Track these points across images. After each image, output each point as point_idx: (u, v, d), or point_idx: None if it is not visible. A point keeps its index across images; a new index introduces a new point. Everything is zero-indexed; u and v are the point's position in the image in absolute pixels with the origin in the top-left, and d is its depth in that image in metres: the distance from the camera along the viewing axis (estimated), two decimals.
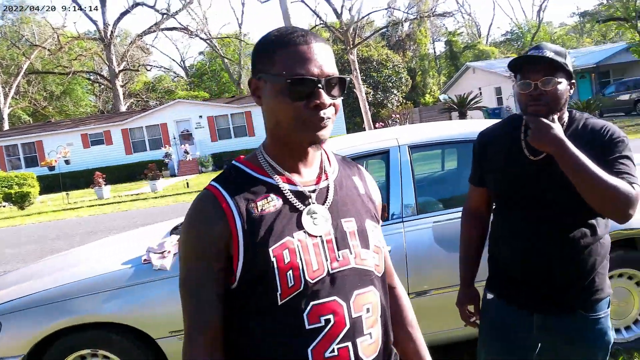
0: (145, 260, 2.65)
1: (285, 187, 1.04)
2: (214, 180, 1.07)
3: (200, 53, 52.23)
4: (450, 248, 2.80)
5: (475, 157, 1.88)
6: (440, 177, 4.29)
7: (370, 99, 30.28)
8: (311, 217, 1.01)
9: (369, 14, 22.15)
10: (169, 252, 2.63)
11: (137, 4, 38.61)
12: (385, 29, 39.43)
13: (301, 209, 1.02)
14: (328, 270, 0.99)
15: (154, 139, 26.99)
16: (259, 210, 1.01)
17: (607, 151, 1.59)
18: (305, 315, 0.97)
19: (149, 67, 46.47)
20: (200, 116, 26.87)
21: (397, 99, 33.88)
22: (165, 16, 39.35)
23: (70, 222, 12.43)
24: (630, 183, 1.52)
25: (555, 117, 1.59)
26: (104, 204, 15.60)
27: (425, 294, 2.78)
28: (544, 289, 1.67)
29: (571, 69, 1.63)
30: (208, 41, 41.67)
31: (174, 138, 26.34)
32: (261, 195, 1.02)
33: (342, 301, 0.98)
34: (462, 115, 21.35)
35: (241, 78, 43.26)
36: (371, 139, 3.25)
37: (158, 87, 46.69)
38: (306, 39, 0.99)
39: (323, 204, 1.04)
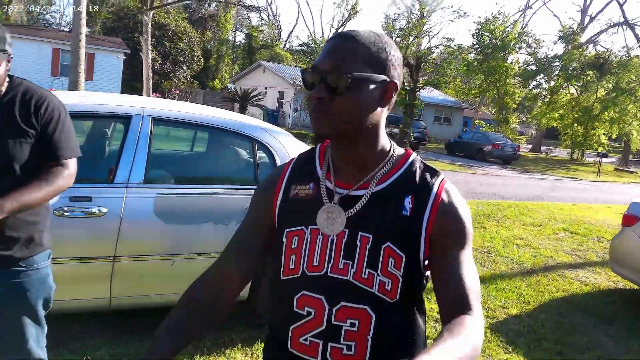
0: None
1: (323, 182, 1.08)
2: (298, 155, 1.19)
3: None
4: (167, 219, 2.98)
5: None
6: (188, 156, 4.45)
7: (157, 67, 28.87)
8: (326, 214, 1.04)
9: None
10: None
11: None
12: (189, 2, 38.17)
13: (323, 198, 1.06)
14: (326, 271, 1.02)
15: None
16: (294, 193, 1.10)
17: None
18: (295, 298, 1.04)
19: None
20: None
21: (185, 75, 33.05)
22: None
23: None
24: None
25: None
26: None
27: (129, 258, 2.88)
28: None
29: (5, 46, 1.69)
30: None
31: None
32: (305, 181, 1.10)
33: (326, 303, 1.02)
34: (242, 109, 22.02)
35: (12, 1, 36.38)
36: (116, 101, 3.21)
37: None
38: (336, 34, 1.03)
39: (346, 210, 1.03)
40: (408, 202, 1.02)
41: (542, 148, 35.16)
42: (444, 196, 1.03)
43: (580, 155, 29.58)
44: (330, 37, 1.05)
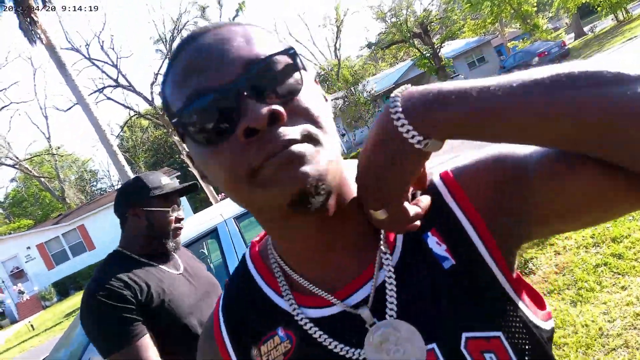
0: None
1: (300, 315, 0.62)
2: (223, 294, 0.73)
3: (12, 180, 47.28)
4: None
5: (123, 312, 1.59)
6: None
7: None
8: (383, 351, 0.57)
9: None
10: None
11: None
12: None
13: (328, 345, 0.59)
14: None
15: None
16: None
17: None
18: None
19: None
20: (29, 247, 24.13)
21: None
22: None
23: None
24: None
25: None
26: None
27: None
28: None
29: None
30: (17, 166, 37.98)
31: (2, 282, 23.14)
32: (267, 331, 0.64)
33: None
34: None
35: (64, 192, 39.90)
36: (199, 220, 3.26)
37: None
38: (196, 38, 0.56)
39: (383, 317, 0.58)
40: (436, 244, 0.59)
41: (585, 29, 33.01)
42: (460, 181, 0.61)
43: (626, 13, 27.45)
44: (192, 41, 0.56)
